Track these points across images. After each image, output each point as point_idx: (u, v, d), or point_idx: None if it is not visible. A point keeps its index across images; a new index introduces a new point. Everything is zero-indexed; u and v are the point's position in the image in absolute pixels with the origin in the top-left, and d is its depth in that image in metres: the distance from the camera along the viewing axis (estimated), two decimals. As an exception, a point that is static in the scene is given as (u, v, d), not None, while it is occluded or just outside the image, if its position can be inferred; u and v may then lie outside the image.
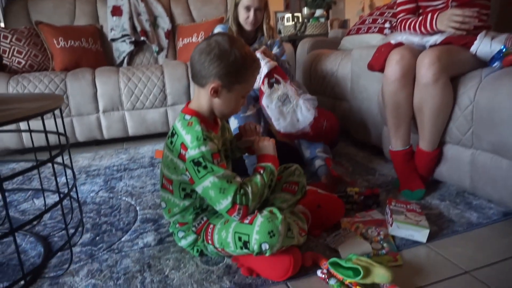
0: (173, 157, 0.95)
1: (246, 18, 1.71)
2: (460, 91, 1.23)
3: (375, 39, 2.07)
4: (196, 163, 0.88)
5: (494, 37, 1.24)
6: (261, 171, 0.97)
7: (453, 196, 1.34)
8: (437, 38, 1.31)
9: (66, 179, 1.22)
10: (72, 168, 1.14)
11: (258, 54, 1.61)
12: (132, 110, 2.31)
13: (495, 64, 1.20)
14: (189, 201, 0.99)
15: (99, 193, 1.56)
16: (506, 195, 1.13)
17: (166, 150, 0.99)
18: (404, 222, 1.08)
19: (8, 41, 2.37)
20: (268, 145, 1.03)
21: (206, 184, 0.89)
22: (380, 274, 0.86)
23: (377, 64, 1.41)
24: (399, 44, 1.38)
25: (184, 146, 0.91)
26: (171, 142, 0.95)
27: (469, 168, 1.25)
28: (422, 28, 1.35)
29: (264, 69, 1.56)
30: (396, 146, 1.37)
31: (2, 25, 2.94)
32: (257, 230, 0.86)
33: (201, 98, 0.96)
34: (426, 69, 1.21)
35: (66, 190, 1.53)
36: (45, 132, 0.94)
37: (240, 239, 0.89)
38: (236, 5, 1.74)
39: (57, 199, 1.47)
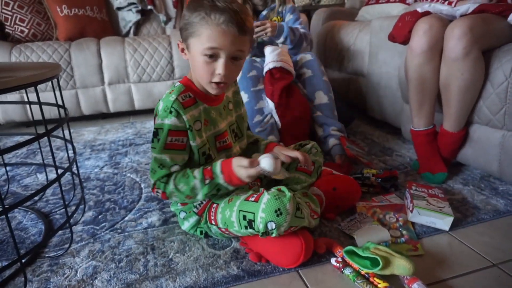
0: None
1: None
2: (494, 66, 1.12)
3: (397, 9, 1.92)
4: (154, 132, 0.86)
5: (535, 5, 1.11)
6: (207, 179, 0.84)
7: (477, 180, 1.25)
8: (469, 6, 1.18)
9: (67, 153, 1.16)
10: (71, 142, 1.07)
11: (268, 47, 1.52)
12: (139, 82, 2.23)
13: (536, 36, 1.08)
14: None
15: (104, 168, 1.50)
16: (539, 182, 1.04)
17: None
18: (426, 208, 1.00)
19: (10, 8, 2.27)
20: (244, 172, 0.82)
21: (152, 155, 0.88)
22: (401, 266, 0.79)
23: (400, 35, 1.29)
24: (426, 13, 1.25)
25: (156, 114, 0.87)
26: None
27: (498, 151, 1.15)
28: None
29: (268, 65, 1.46)
30: (419, 125, 1.27)
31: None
32: (263, 208, 0.79)
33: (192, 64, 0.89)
34: (456, 41, 1.09)
35: (68, 163, 1.48)
36: (40, 103, 0.87)
37: (244, 217, 0.82)
38: None
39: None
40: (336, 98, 1.68)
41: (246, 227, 0.83)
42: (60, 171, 0.93)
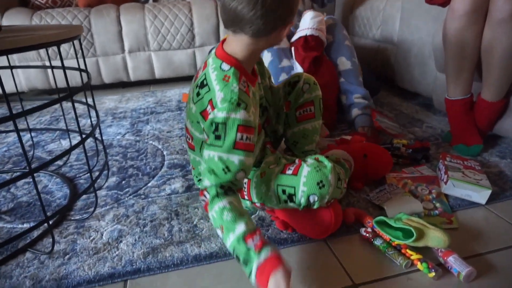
0: (196, 110, 0.79)
1: None
2: (544, 29, 1.02)
3: (433, -29, 1.78)
4: (215, 128, 0.71)
5: None
6: (240, 254, 0.65)
7: (515, 153, 1.18)
8: (519, -37, 1.07)
9: (90, 119, 1.15)
10: (95, 108, 1.06)
11: (309, 12, 1.44)
12: (159, 50, 2.19)
13: None
14: None
15: (125, 136, 1.50)
16: None
17: (191, 100, 0.81)
18: (462, 180, 0.94)
19: (29, -27, 2.24)
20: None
21: (207, 153, 0.73)
22: (436, 237, 0.75)
23: (440, -4, 1.20)
24: (469, -28, 1.15)
25: (212, 103, 0.73)
26: (198, 94, 0.77)
27: (541, 122, 1.08)
28: None
29: (306, 31, 1.40)
30: (455, 94, 1.20)
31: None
32: (304, 181, 0.76)
33: (255, 44, 0.74)
34: (503, 1, 1.00)
35: (96, 133, 1.48)
36: (63, 67, 0.85)
37: (284, 192, 0.79)
38: None
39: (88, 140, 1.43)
40: (362, 66, 1.61)
41: (286, 201, 0.80)
42: (83, 136, 0.92)
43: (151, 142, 1.42)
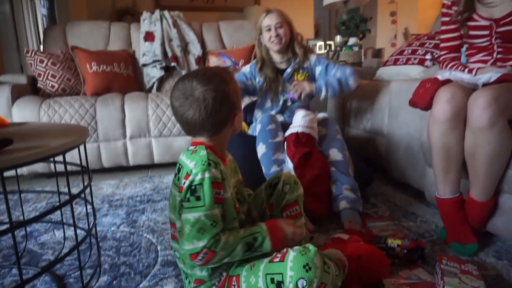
0: (176, 193, 0.87)
1: (269, 38, 1.69)
2: (521, 136, 1.09)
3: (415, 71, 1.95)
4: (192, 190, 0.81)
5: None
6: (254, 237, 0.87)
7: (511, 253, 1.18)
8: (491, 76, 1.19)
9: (87, 214, 1.16)
10: (93, 207, 1.07)
11: (301, 111, 1.56)
12: (159, 137, 2.28)
13: None
14: None
15: (120, 227, 1.49)
16: None
17: (173, 189, 0.90)
18: (458, 287, 0.93)
19: (44, 65, 2.42)
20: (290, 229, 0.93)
21: (189, 217, 0.81)
22: None
23: (422, 102, 1.29)
24: (447, 81, 1.26)
25: (187, 175, 0.82)
26: (178, 179, 0.87)
27: (531, 224, 1.09)
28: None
29: (297, 128, 1.51)
30: (444, 193, 1.23)
31: (41, 48, 3.04)
32: (290, 266, 0.76)
33: (215, 140, 0.90)
34: (480, 111, 1.08)
35: (86, 222, 1.47)
36: (66, 172, 0.88)
37: (272, 280, 0.78)
38: (260, 32, 1.72)
39: (78, 231, 1.42)
40: (355, 157, 1.67)
41: None
42: (77, 231, 0.92)
43: (145, 235, 1.41)
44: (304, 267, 0.75)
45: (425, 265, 1.12)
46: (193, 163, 0.82)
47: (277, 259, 0.80)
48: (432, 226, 1.39)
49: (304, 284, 0.74)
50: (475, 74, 1.25)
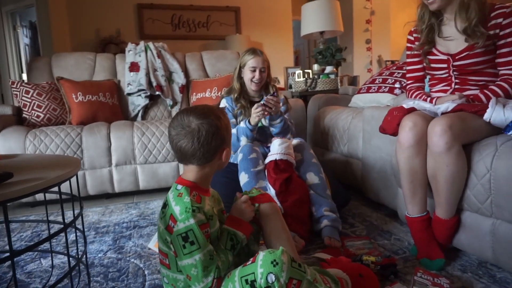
0: (163, 229, 0.95)
1: (251, 78, 1.83)
2: (475, 158, 1.22)
3: (386, 99, 2.10)
4: (184, 237, 0.89)
5: (506, 104, 1.25)
6: (231, 239, 1.01)
7: (475, 267, 1.28)
8: (448, 105, 1.32)
9: (76, 241, 1.20)
10: (83, 233, 1.13)
11: (277, 139, 1.66)
12: (145, 164, 2.33)
13: (511, 133, 1.20)
14: None
15: (107, 253, 1.53)
16: (533, 271, 1.08)
17: (160, 220, 0.99)
18: (426, 299, 1.02)
19: (29, 95, 2.47)
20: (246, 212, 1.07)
21: (191, 262, 0.89)
22: None
23: (390, 128, 1.42)
24: (412, 109, 1.40)
25: (173, 218, 0.92)
26: (163, 213, 0.96)
27: (490, 239, 1.20)
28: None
29: (276, 155, 1.60)
30: (413, 212, 1.34)
31: (23, 77, 3.08)
32: (260, 264, 0.85)
33: (204, 169, 1.00)
34: (438, 137, 1.21)
35: (74, 249, 1.50)
36: (61, 202, 0.94)
37: (247, 281, 0.86)
38: (241, 67, 1.86)
39: (65, 259, 1.45)
40: (333, 179, 1.78)
41: None
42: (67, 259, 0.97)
43: (133, 260, 1.45)
44: (271, 262, 0.84)
45: (401, 282, 1.20)
46: (178, 208, 0.92)
47: (249, 262, 0.89)
48: (405, 244, 1.49)
49: (273, 278, 0.83)
50: (435, 104, 1.39)
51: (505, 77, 1.37)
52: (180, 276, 0.96)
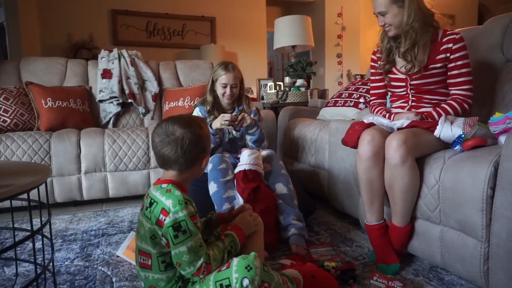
0: (150, 226, 1.00)
1: (223, 93, 1.89)
2: (426, 171, 1.33)
3: (351, 113, 2.22)
4: (177, 227, 0.95)
5: (453, 121, 1.37)
6: (231, 245, 1.09)
7: (426, 271, 1.38)
8: (403, 122, 1.43)
9: (43, 249, 1.21)
10: (51, 240, 1.13)
11: (246, 150, 1.72)
12: (115, 171, 2.33)
13: (457, 148, 1.32)
14: (171, 271, 1.02)
15: (74, 261, 1.52)
16: (475, 274, 1.18)
17: (143, 221, 1.03)
18: (379, 301, 1.10)
19: (-4, 100, 2.41)
20: (247, 221, 1.14)
21: (183, 249, 0.95)
22: None
23: (351, 141, 1.52)
24: (371, 124, 1.50)
25: (164, 211, 0.97)
26: (150, 212, 1.01)
27: (439, 244, 1.31)
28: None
29: (245, 166, 1.66)
30: (371, 220, 1.43)
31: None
32: (235, 269, 0.92)
33: (183, 175, 1.07)
34: (393, 151, 1.31)
35: (40, 257, 1.49)
36: (30, 209, 0.96)
37: (221, 286, 0.93)
38: (213, 81, 1.91)
39: (29, 267, 1.43)
40: (299, 189, 1.85)
41: None
42: (32, 267, 0.98)
43: (100, 267, 1.46)
44: (245, 267, 0.91)
45: (359, 285, 1.28)
46: (170, 201, 0.98)
47: (224, 267, 0.96)
48: (365, 250, 1.58)
49: (248, 282, 0.90)
50: (392, 120, 1.50)
51: (455, 96, 1.51)
52: (162, 276, 1.02)
